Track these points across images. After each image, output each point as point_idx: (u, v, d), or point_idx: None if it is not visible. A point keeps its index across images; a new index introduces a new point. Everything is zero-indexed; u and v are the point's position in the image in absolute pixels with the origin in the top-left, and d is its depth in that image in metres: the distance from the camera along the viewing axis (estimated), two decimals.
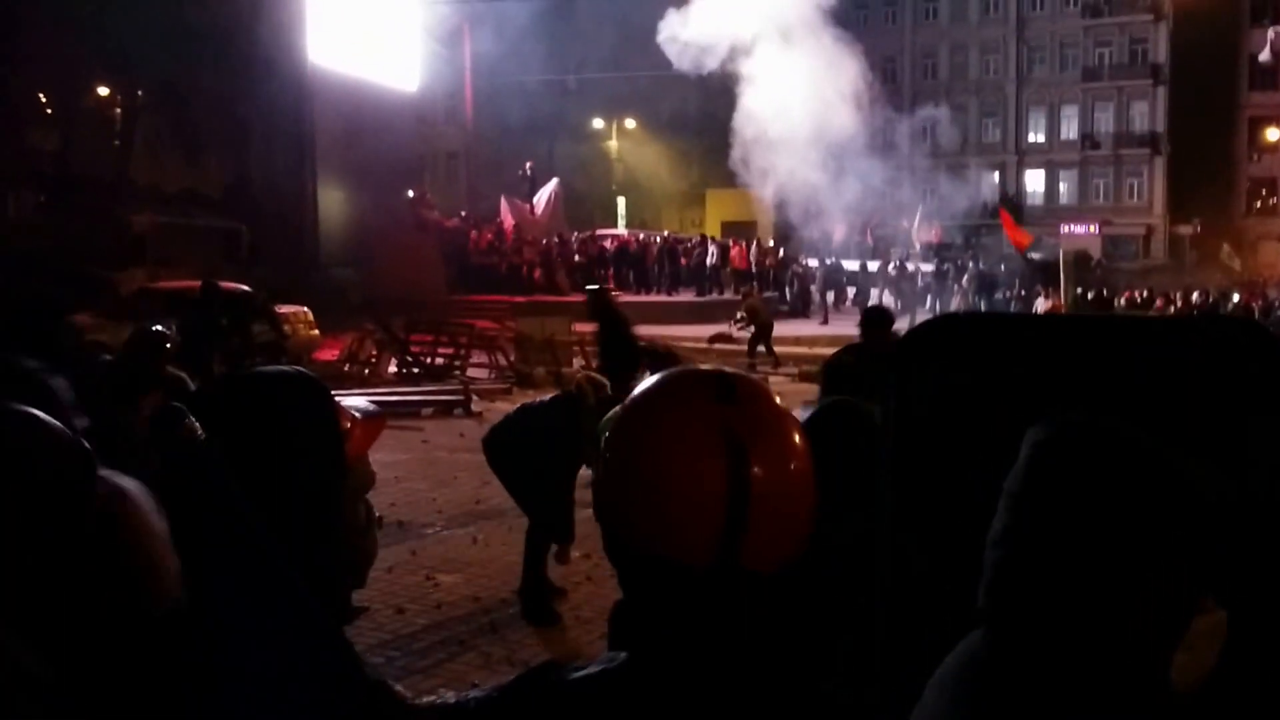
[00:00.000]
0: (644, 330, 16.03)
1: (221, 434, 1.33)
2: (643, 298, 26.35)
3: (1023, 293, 31.35)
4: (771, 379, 17.47)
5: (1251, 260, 44.57)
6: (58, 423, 1.38)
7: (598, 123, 44.28)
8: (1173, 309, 23.92)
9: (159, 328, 5.99)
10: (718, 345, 20.74)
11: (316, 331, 18.53)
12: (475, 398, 14.91)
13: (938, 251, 37.33)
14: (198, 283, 13.35)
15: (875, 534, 1.65)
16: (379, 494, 1.76)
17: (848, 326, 25.42)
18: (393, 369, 17.25)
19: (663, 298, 27.15)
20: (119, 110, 28.75)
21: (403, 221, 28.43)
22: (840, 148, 29.18)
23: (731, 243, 31.77)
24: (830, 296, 30.03)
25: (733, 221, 40.04)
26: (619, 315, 10.05)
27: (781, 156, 29.32)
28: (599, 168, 41.82)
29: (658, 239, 31.56)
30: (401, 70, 31.04)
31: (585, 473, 6.26)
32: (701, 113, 37.51)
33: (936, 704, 1.24)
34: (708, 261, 30.04)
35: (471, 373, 17.23)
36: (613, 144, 43.90)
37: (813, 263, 32.97)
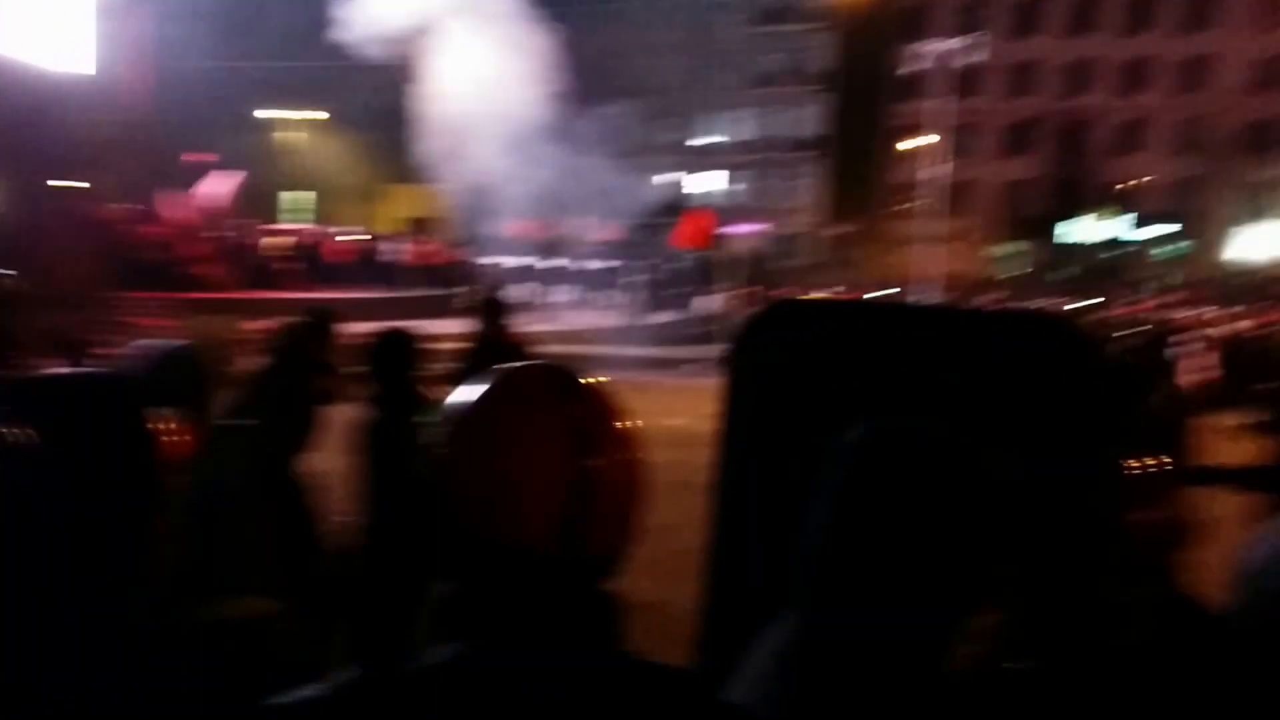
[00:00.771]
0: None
1: (42, 435, 1.34)
2: (328, 294, 25.99)
3: (694, 289, 32.96)
4: None
5: (897, 260, 48.77)
6: None
7: (281, 114, 42.91)
8: None
9: None
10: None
11: None
12: None
13: (619, 249, 38.70)
14: None
15: (714, 511, 1.77)
16: None
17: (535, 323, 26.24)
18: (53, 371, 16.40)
19: (350, 294, 26.83)
20: None
21: (68, 215, 26.70)
22: (520, 145, 29.71)
23: (414, 240, 31.81)
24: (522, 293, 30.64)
25: (415, 218, 39.92)
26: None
27: (461, 153, 29.60)
28: (282, 160, 40.61)
29: (340, 236, 31.19)
30: (74, 53, 29.02)
31: None
32: (387, 106, 37.15)
33: (751, 681, 1.33)
34: (389, 259, 30.01)
35: None
36: (296, 136, 42.71)
37: (501, 260, 33.48)
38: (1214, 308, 24.81)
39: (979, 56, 31.37)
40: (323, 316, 6.36)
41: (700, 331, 26.54)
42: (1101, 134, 52.22)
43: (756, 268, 37.47)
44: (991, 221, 52.21)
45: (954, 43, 39.95)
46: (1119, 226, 49.87)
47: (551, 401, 1.19)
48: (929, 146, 42.32)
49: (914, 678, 1.27)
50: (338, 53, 31.96)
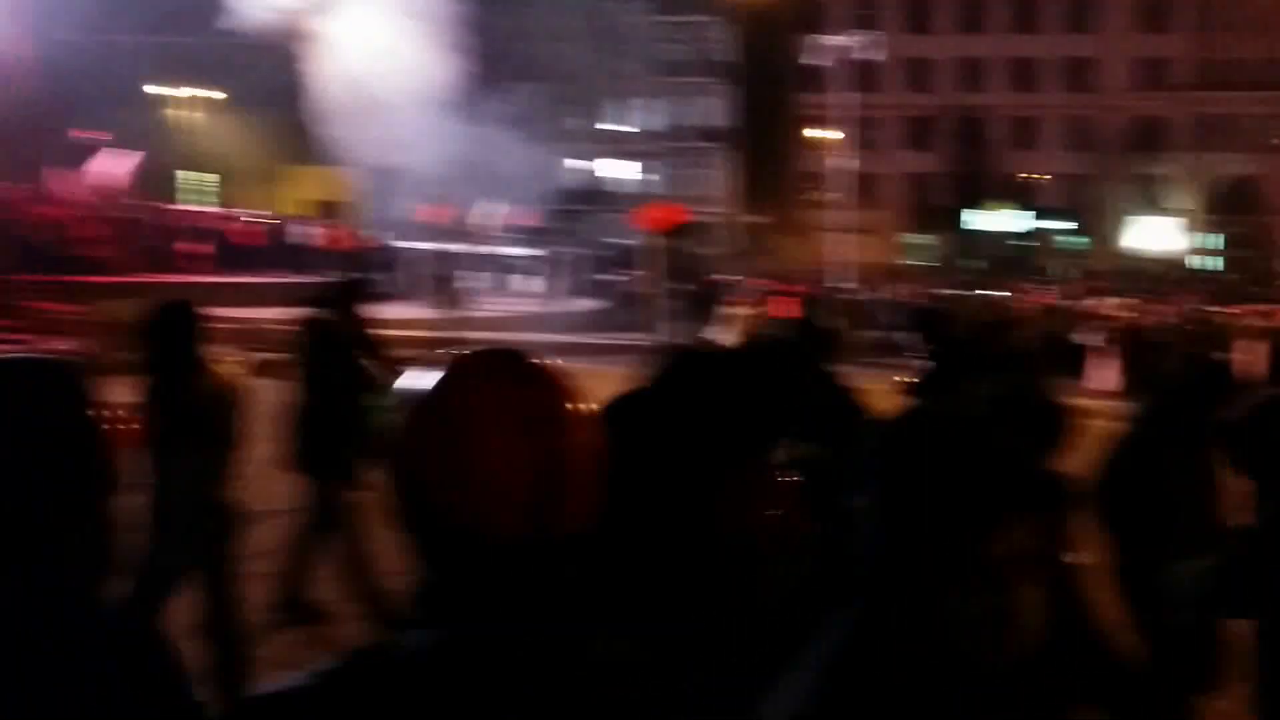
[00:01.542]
0: (238, 314, 15.13)
1: None
2: (230, 278, 24.80)
3: (617, 274, 32.75)
4: None
5: (807, 248, 49.14)
6: None
7: (174, 91, 41.08)
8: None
9: None
10: None
11: None
12: None
13: (535, 235, 38.17)
14: None
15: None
16: None
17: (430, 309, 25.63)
18: None
19: (260, 279, 25.67)
20: None
21: None
22: (426, 125, 28.94)
23: (320, 224, 30.81)
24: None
25: (324, 201, 38.76)
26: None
27: (365, 134, 28.69)
28: (177, 140, 38.92)
29: (245, 218, 30.01)
30: None
31: None
32: (286, 85, 35.88)
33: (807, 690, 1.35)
34: (298, 242, 28.98)
35: None
36: (192, 115, 40.96)
37: (413, 245, 32.61)
38: (1115, 300, 25.41)
39: (875, 54, 31.81)
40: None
41: (624, 319, 26.25)
42: (997, 129, 53.47)
43: (674, 256, 37.22)
44: (898, 213, 53.05)
45: (851, 38, 40.90)
46: (1020, 219, 51.00)
47: (508, 385, 1.20)
48: (834, 139, 42.79)
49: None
50: (233, 30, 30.76)
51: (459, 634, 1.14)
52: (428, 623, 1.16)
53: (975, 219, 50.44)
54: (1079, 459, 3.39)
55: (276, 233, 29.30)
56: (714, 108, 56.39)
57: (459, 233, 34.51)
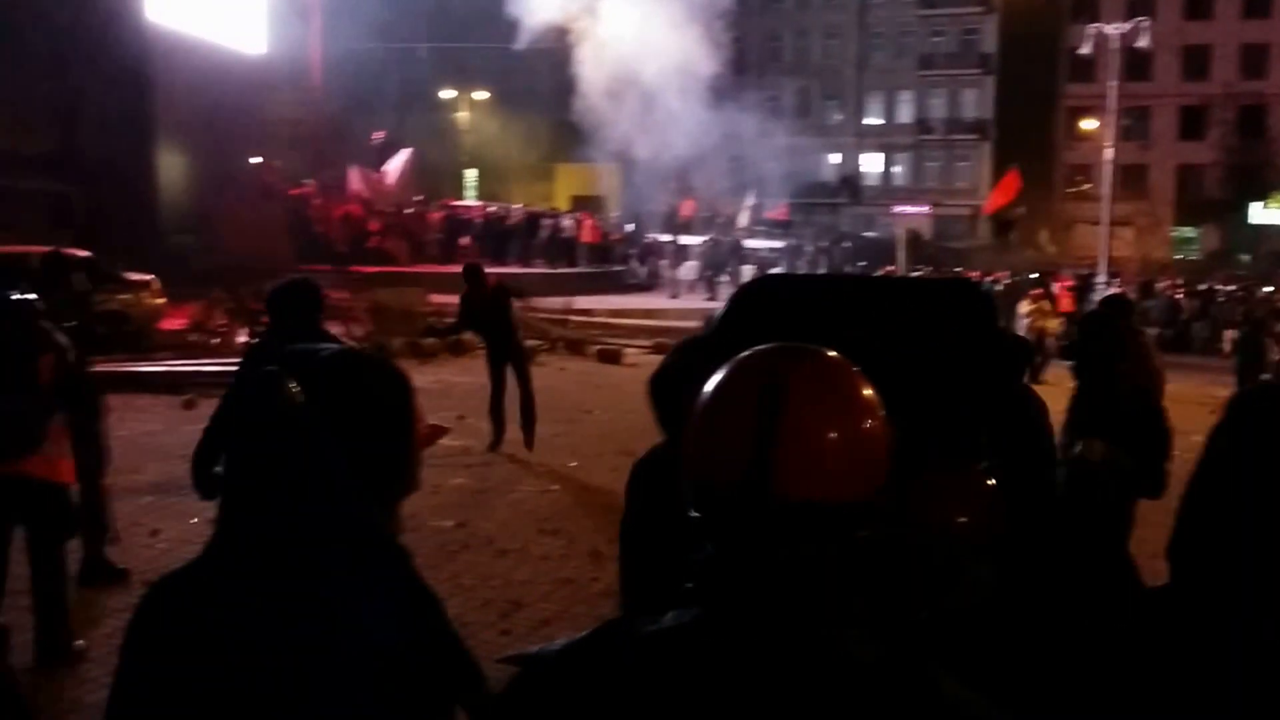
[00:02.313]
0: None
1: (319, 402, 1.45)
2: (501, 269, 26.31)
3: (864, 265, 32.55)
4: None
5: (1068, 242, 47.23)
6: None
7: (448, 93, 43.74)
8: (1000, 286, 25.02)
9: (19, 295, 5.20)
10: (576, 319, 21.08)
11: (163, 300, 17.82)
12: None
13: (785, 228, 38.50)
14: (28, 249, 12.91)
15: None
16: None
17: (697, 300, 26.17)
18: (243, 339, 16.86)
19: (520, 269, 27.11)
20: None
21: (248, 188, 27.59)
22: (685, 127, 29.70)
23: (583, 216, 31.99)
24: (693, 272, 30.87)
25: (581, 196, 40.21)
26: (488, 285, 10.54)
27: (625, 134, 29.75)
28: (448, 139, 41.37)
29: (513, 212, 31.59)
30: (247, 32, 30.06)
31: None
32: (552, 86, 37.51)
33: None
34: (562, 235, 30.32)
35: None
36: (463, 115, 43.47)
37: (673, 238, 33.62)
38: None
39: (1144, 41, 30.27)
40: None
41: None
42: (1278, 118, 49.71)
43: (921, 248, 36.78)
44: (1167, 205, 50.24)
45: (1123, 26, 38.99)
46: None
47: (764, 358, 1.20)
48: (1101, 129, 40.87)
49: None
50: (504, 35, 32.47)
51: (714, 617, 1.12)
52: (689, 601, 1.15)
53: (1256, 212, 47.15)
54: None
55: (538, 226, 30.72)
56: (970, 100, 55.09)
57: (714, 225, 35.27)
